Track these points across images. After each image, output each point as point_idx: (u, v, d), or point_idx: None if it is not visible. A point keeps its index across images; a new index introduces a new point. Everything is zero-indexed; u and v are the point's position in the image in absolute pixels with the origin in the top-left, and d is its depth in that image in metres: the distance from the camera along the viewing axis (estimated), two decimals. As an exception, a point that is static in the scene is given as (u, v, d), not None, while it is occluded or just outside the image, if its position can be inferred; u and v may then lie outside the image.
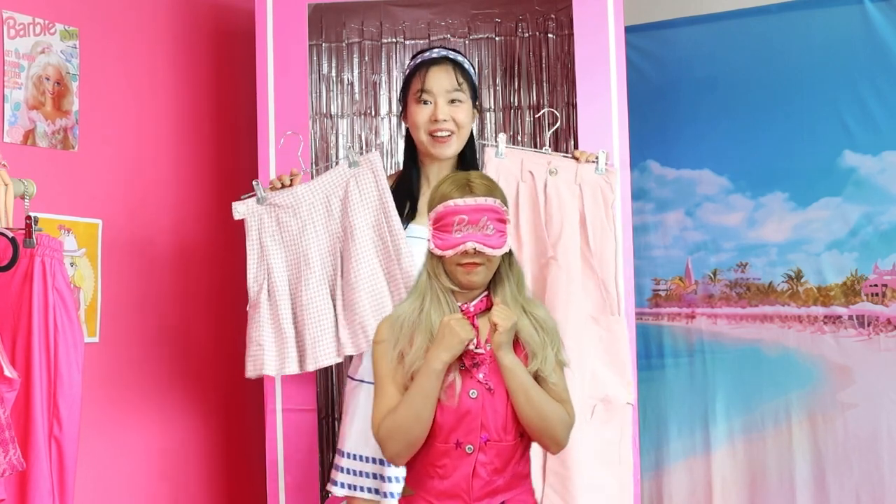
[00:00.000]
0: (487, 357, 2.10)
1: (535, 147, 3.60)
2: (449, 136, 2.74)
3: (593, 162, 2.82)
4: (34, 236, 2.33)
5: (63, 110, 2.97)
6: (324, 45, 3.65)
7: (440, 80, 2.73)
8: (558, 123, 3.38)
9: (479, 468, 2.08)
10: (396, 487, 2.60)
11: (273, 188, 2.79)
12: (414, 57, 2.85)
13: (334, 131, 3.69)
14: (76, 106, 3.00)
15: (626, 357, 2.82)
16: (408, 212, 2.78)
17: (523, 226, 2.81)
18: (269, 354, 2.74)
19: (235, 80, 3.54)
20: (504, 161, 2.81)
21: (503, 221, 2.09)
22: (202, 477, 3.45)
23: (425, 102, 2.73)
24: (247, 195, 2.80)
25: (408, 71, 2.82)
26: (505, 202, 2.13)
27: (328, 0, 3.40)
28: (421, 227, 2.73)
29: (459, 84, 2.74)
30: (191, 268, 3.42)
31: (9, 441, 2.15)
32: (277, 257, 2.77)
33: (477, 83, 2.85)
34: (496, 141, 2.85)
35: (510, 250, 2.15)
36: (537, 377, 2.09)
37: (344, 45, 3.68)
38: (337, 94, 3.70)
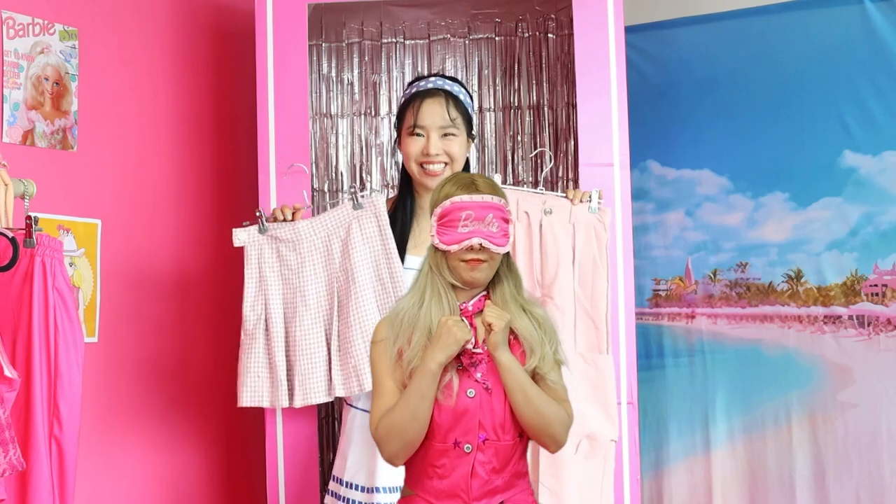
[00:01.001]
0: (485, 356, 2.10)
1: (535, 148, 3.61)
2: (442, 168, 2.71)
3: (587, 202, 2.82)
4: (34, 236, 2.33)
5: (62, 110, 2.96)
6: (324, 45, 3.65)
7: (433, 115, 2.70)
8: (551, 164, 3.37)
9: (478, 467, 2.08)
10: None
11: (275, 219, 2.79)
12: (409, 85, 2.83)
13: (334, 131, 3.69)
14: (75, 106, 3.00)
15: (611, 395, 2.83)
16: (400, 244, 2.76)
17: (520, 265, 2.81)
18: (265, 386, 2.76)
19: (235, 80, 3.54)
20: None
21: (506, 221, 2.10)
22: (202, 475, 3.45)
23: (418, 135, 2.72)
24: (248, 223, 2.80)
25: (402, 100, 2.80)
26: (507, 203, 2.13)
27: (328, 0, 3.40)
28: (415, 258, 2.72)
29: (452, 119, 2.70)
30: (190, 268, 3.42)
31: (9, 441, 2.15)
32: (275, 290, 2.77)
33: (473, 113, 2.82)
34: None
35: (508, 253, 2.15)
36: (535, 376, 2.09)
37: (344, 45, 3.68)
38: (337, 94, 3.70)
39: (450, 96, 2.72)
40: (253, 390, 2.76)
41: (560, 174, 3.55)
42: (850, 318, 3.34)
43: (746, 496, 3.53)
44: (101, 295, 3.04)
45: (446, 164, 2.72)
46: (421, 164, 2.72)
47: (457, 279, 2.11)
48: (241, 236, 2.78)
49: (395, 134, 2.88)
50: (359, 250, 2.73)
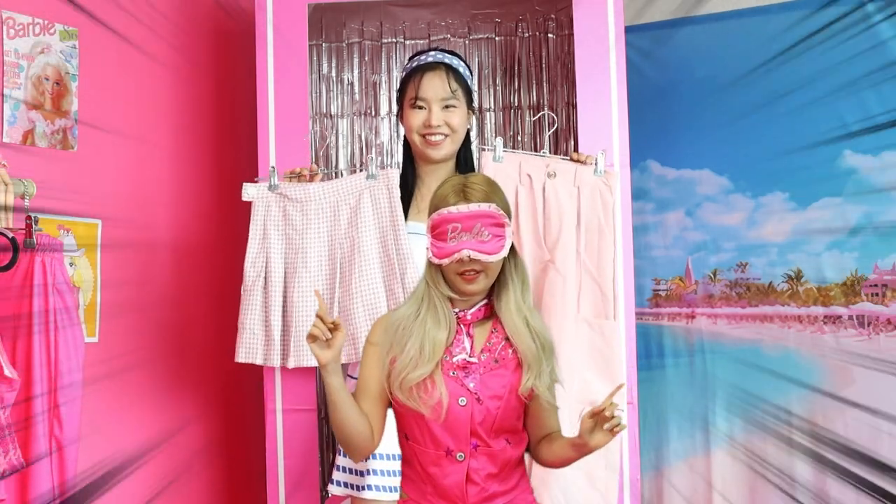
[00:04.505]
0: (480, 367, 2.09)
1: (535, 148, 3.61)
2: (443, 139, 2.75)
3: (592, 164, 2.82)
4: (34, 236, 2.34)
5: (62, 110, 2.96)
6: (324, 45, 3.66)
7: (434, 88, 2.74)
8: (556, 125, 3.38)
9: (473, 474, 2.08)
10: (377, 480, 2.63)
11: (292, 175, 2.83)
12: (411, 59, 2.86)
13: (334, 131, 3.69)
14: (75, 106, 3.00)
15: (619, 362, 2.80)
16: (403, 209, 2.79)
17: (523, 229, 2.81)
18: (259, 343, 2.79)
19: (235, 80, 3.54)
20: (502, 165, 2.80)
21: (500, 226, 2.06)
22: (202, 477, 3.45)
23: (420, 108, 2.75)
24: (260, 178, 2.84)
25: (404, 74, 2.84)
26: (503, 205, 2.09)
27: (328, 0, 3.40)
28: (418, 224, 2.75)
29: (453, 91, 2.75)
30: (190, 268, 3.42)
31: (9, 441, 2.15)
32: (277, 248, 2.82)
33: (473, 86, 2.85)
34: (493, 145, 2.85)
35: (515, 251, 2.13)
36: (531, 394, 2.08)
37: (344, 45, 3.68)
38: (337, 94, 3.70)
39: (450, 69, 2.77)
40: (248, 347, 2.82)
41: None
42: (850, 318, 3.34)
43: (746, 496, 3.53)
44: (101, 295, 3.04)
45: (447, 135, 2.75)
46: (423, 136, 2.75)
47: (454, 291, 2.09)
48: (251, 191, 2.83)
49: (397, 128, 2.89)
50: (367, 220, 2.76)
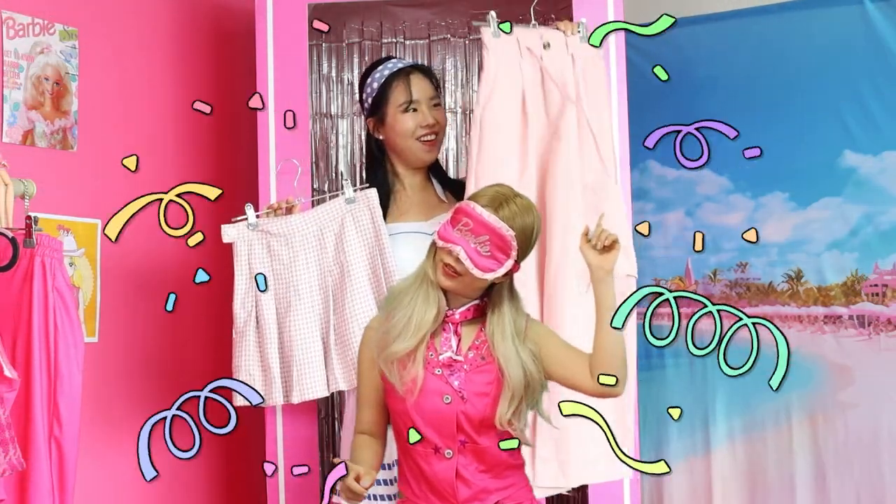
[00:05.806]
0: (466, 364, 2.10)
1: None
2: (434, 138, 2.78)
3: (578, 32, 2.79)
4: (34, 236, 2.34)
5: (62, 110, 2.96)
6: (324, 45, 3.65)
7: (423, 88, 2.78)
8: None
9: (462, 471, 2.09)
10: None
11: (269, 213, 2.78)
12: (373, 70, 2.85)
13: (334, 131, 3.69)
14: (75, 106, 3.00)
15: (622, 223, 2.74)
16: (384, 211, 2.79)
17: (530, 105, 2.73)
18: (258, 384, 2.73)
19: (235, 80, 3.54)
20: (501, 42, 2.74)
21: (504, 252, 2.05)
22: (201, 476, 3.44)
23: (413, 110, 2.75)
24: (237, 218, 2.77)
25: (377, 84, 2.81)
26: (523, 240, 2.07)
27: (328, 0, 3.40)
28: (399, 224, 2.76)
29: (436, 89, 2.82)
30: (190, 269, 3.41)
31: (9, 441, 2.15)
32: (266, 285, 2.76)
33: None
34: (487, 18, 2.77)
35: (513, 289, 2.14)
36: (498, 422, 2.09)
37: (344, 45, 3.68)
38: (337, 94, 3.69)
39: (424, 69, 2.86)
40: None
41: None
42: (851, 318, 3.34)
43: (746, 496, 3.53)
44: (101, 295, 3.03)
45: (437, 133, 2.79)
46: (419, 139, 2.76)
47: (437, 280, 2.10)
48: (231, 232, 2.75)
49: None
50: (353, 243, 2.73)
